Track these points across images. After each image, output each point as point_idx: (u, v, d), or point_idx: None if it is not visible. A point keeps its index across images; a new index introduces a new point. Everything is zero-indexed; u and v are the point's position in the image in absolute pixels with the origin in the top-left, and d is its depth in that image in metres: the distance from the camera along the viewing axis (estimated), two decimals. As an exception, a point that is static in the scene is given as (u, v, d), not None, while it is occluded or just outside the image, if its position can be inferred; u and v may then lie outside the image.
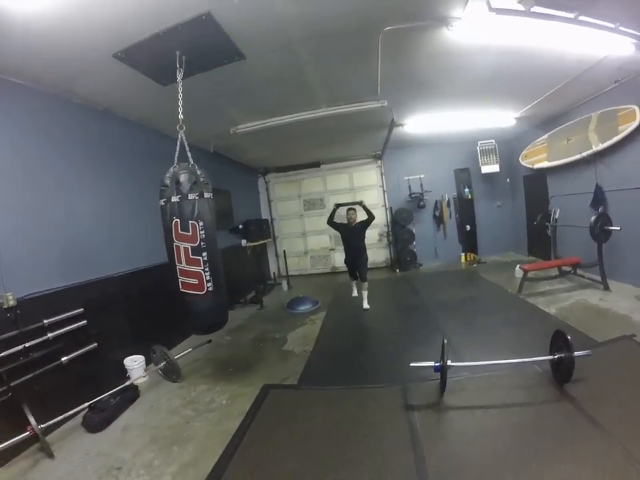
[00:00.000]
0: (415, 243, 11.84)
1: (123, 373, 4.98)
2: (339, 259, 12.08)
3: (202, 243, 3.98)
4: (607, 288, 6.71)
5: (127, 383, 4.64)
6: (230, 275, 8.02)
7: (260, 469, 2.98)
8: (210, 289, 4.04)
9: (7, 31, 3.13)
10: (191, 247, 3.95)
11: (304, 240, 12.84)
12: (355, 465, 2.90)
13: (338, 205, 7.90)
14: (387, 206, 12.14)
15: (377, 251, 12.11)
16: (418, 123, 8.44)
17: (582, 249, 7.41)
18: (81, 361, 4.38)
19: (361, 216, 7.62)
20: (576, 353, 3.46)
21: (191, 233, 3.93)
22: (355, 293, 8.29)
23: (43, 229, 4.29)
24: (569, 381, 3.54)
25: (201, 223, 3.97)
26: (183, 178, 4.00)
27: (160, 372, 5.13)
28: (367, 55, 4.61)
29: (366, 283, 7.65)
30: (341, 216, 7.75)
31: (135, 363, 5.03)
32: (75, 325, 4.39)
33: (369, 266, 7.99)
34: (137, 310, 5.56)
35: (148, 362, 5.29)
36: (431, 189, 11.83)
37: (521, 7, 3.68)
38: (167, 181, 4.03)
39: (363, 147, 11.10)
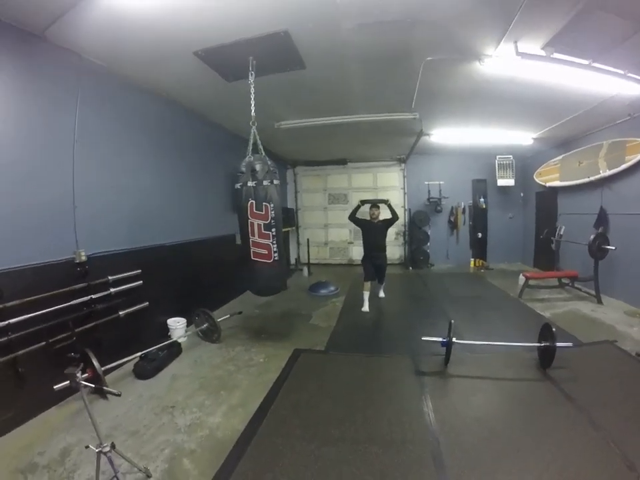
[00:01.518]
0: (428, 244, 12.51)
1: (165, 332, 5.64)
2: (356, 251, 12.72)
3: (272, 221, 4.87)
4: (599, 301, 7.38)
5: (172, 340, 5.33)
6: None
7: (299, 408, 3.76)
8: (276, 258, 4.95)
9: (114, 25, 3.74)
10: (264, 223, 4.83)
11: (325, 231, 13.51)
12: (378, 406, 3.73)
13: (363, 202, 7.68)
14: (406, 207, 12.74)
15: (392, 248, 12.66)
16: (443, 134, 9.03)
17: (581, 265, 8.02)
18: (133, 317, 4.92)
19: (384, 215, 7.52)
20: (558, 344, 4.24)
21: (264, 212, 4.81)
22: (366, 308, 7.34)
23: (113, 202, 4.86)
24: (550, 366, 4.32)
25: (272, 205, 4.85)
26: (258, 167, 4.81)
27: (200, 334, 5.85)
28: (408, 77, 5.34)
29: (383, 284, 7.97)
30: (364, 213, 7.56)
31: (177, 324, 5.70)
32: (133, 283, 4.95)
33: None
34: (182, 277, 6.25)
35: (188, 324, 5.98)
36: (449, 195, 12.46)
37: (543, 53, 4.40)
38: (243, 169, 4.84)
39: (390, 150, 11.72)
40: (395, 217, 7.53)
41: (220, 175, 7.80)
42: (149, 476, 2.77)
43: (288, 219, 11.58)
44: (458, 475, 2.69)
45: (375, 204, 7.67)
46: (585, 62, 4.64)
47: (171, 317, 5.75)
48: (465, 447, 3.05)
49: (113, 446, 2.51)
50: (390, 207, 7.58)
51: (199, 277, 6.69)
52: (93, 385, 2.58)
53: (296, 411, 3.70)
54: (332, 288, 9.00)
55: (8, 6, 3.29)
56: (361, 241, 7.77)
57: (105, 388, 2.99)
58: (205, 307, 6.02)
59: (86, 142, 4.38)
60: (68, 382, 2.38)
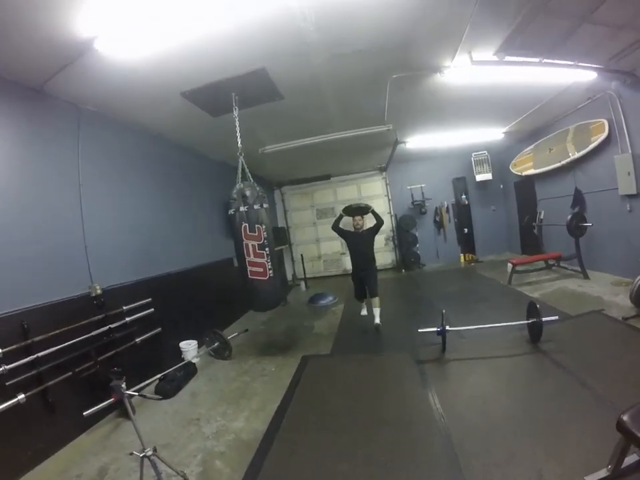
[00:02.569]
0: (418, 245, 12.93)
1: (178, 355, 5.89)
2: (349, 261, 12.81)
3: (265, 241, 5.23)
4: (586, 277, 7.79)
5: (186, 361, 5.57)
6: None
7: (313, 405, 4.11)
8: (271, 275, 5.29)
9: (107, 76, 4.07)
10: (257, 244, 5.19)
11: (317, 246, 13.90)
12: (385, 395, 4.09)
13: (345, 211, 7.21)
14: (392, 213, 13.17)
15: (384, 254, 13.16)
16: (418, 141, 9.49)
17: (565, 245, 8.43)
18: (148, 342, 5.17)
19: (369, 223, 7.03)
20: (544, 318, 4.64)
21: (257, 234, 5.17)
22: (365, 312, 7.38)
23: (120, 237, 5.21)
24: (539, 340, 4.71)
25: (263, 226, 5.22)
26: (248, 192, 5.18)
27: (211, 353, 6.13)
28: (377, 94, 5.78)
29: (377, 298, 6.78)
30: (347, 223, 7.13)
31: (189, 346, 5.98)
32: (146, 311, 5.20)
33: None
34: (188, 302, 6.52)
35: (199, 345, 6.24)
36: (431, 196, 12.94)
37: (495, 58, 4.85)
38: (235, 195, 5.21)
39: (370, 161, 12.15)
40: (379, 222, 7.00)
41: (212, 203, 8.15)
42: (186, 479, 3.02)
43: (280, 237, 11.96)
44: (461, 443, 3.03)
45: (357, 212, 7.14)
46: (536, 60, 5.08)
47: (182, 340, 6.03)
48: (467, 420, 3.39)
49: (155, 450, 2.79)
50: (373, 212, 7.11)
51: (204, 301, 7.01)
52: (137, 393, 2.90)
53: (310, 408, 4.04)
54: (330, 298, 9.33)
55: (8, 63, 3.60)
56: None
57: (147, 395, 3.29)
58: (212, 327, 6.33)
59: (89, 185, 4.73)
60: (115, 396, 2.70)
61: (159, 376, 4.89)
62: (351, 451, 3.16)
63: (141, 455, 2.72)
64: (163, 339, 5.55)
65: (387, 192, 13.44)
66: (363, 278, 6.95)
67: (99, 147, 5.02)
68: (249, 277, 5.27)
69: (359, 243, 6.96)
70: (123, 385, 2.69)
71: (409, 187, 13.03)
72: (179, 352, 5.93)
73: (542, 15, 3.97)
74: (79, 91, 4.38)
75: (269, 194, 13.28)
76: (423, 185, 12.94)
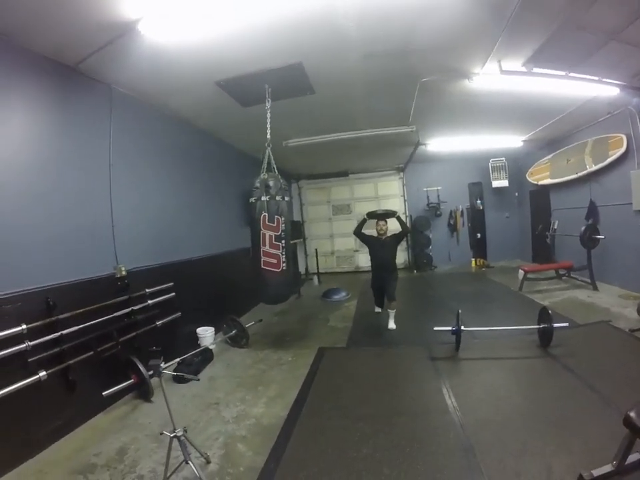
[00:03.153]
0: (430, 247, 13.07)
1: (194, 340, 6.01)
2: (362, 259, 13.34)
3: (282, 233, 5.35)
4: (595, 288, 7.91)
5: (204, 346, 5.72)
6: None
7: (332, 394, 4.26)
8: (284, 267, 5.39)
9: (144, 59, 4.12)
10: (275, 235, 5.30)
11: (331, 241, 14.07)
12: (401, 388, 4.27)
13: (369, 215, 6.91)
14: (407, 214, 13.30)
15: (397, 254, 13.21)
16: (439, 143, 9.63)
17: (577, 256, 8.52)
18: (167, 326, 5.24)
19: (392, 228, 6.78)
20: (555, 324, 4.79)
21: (275, 225, 5.29)
22: (379, 309, 7.26)
23: (144, 220, 5.31)
24: (549, 345, 4.87)
25: (282, 218, 5.35)
26: (272, 183, 5.32)
27: (228, 340, 6.29)
28: (405, 95, 5.95)
29: (395, 302, 6.63)
30: (369, 227, 6.87)
31: (206, 332, 6.12)
32: (167, 295, 5.28)
33: None
34: (207, 289, 6.69)
35: (215, 332, 6.35)
36: (447, 199, 13.06)
37: (524, 69, 5.00)
38: (258, 184, 5.35)
39: (389, 160, 12.34)
40: (405, 230, 6.88)
41: (231, 192, 8.31)
42: (208, 462, 3.15)
43: (295, 231, 11.89)
44: (476, 434, 3.21)
45: (382, 217, 6.82)
46: (562, 73, 5.24)
47: (199, 326, 6.16)
48: (480, 414, 3.56)
49: (185, 430, 2.90)
50: (399, 219, 6.88)
51: (221, 289, 7.18)
52: (175, 373, 3.08)
53: (330, 397, 4.20)
54: (343, 294, 9.50)
55: (48, 40, 3.64)
56: (367, 248, 7.03)
57: (185, 375, 3.45)
58: (225, 317, 6.51)
59: (118, 166, 4.80)
60: (152, 371, 2.87)
61: (177, 360, 4.99)
62: (371, 437, 3.33)
63: (172, 435, 2.82)
64: (181, 324, 5.67)
65: (403, 192, 13.58)
66: (383, 284, 6.75)
67: (128, 129, 5.08)
68: (262, 267, 5.36)
69: (381, 250, 6.69)
70: (162, 364, 2.84)
71: (425, 189, 13.15)
72: (195, 338, 6.05)
73: (573, 29, 4.11)
74: (114, 71, 4.44)
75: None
76: (439, 188, 13.06)
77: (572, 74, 5.29)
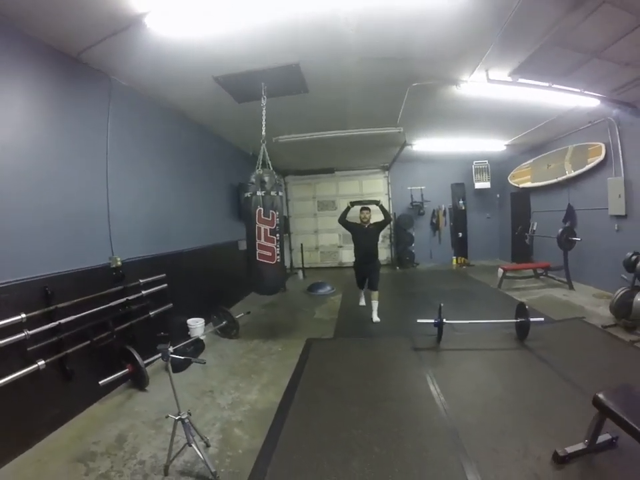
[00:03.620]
0: (413, 245, 13.36)
1: (185, 331, 6.12)
2: (346, 255, 13.59)
3: (277, 227, 5.55)
4: (571, 287, 8.33)
5: (195, 337, 5.87)
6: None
7: (322, 381, 4.50)
8: (278, 260, 5.63)
9: (146, 52, 4.16)
10: (270, 228, 5.50)
11: (316, 237, 14.25)
12: (387, 375, 4.54)
13: (352, 203, 7.27)
14: (391, 211, 13.34)
15: (380, 250, 13.16)
16: (425, 144, 9.89)
17: (555, 256, 8.91)
18: (160, 317, 5.29)
19: (375, 218, 7.14)
20: (532, 319, 5.12)
21: (270, 219, 5.48)
22: (363, 302, 7.58)
23: (139, 211, 5.33)
24: (526, 337, 5.20)
25: (277, 213, 5.55)
26: (267, 179, 5.50)
27: (218, 331, 6.43)
28: (395, 98, 6.18)
29: (377, 292, 6.91)
30: (354, 216, 7.20)
31: (196, 323, 6.24)
32: (160, 286, 5.37)
33: None
34: (196, 280, 6.79)
35: (205, 323, 6.48)
36: (430, 199, 13.35)
37: (509, 79, 5.28)
38: (253, 180, 5.51)
39: (375, 159, 12.57)
40: (387, 219, 7.24)
41: (223, 186, 8.47)
42: (208, 445, 3.30)
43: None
44: (458, 417, 3.49)
45: (365, 206, 7.25)
46: (546, 84, 5.53)
47: (189, 317, 6.26)
48: (462, 399, 3.85)
49: (189, 414, 3.02)
50: (382, 207, 7.22)
51: (210, 281, 7.29)
52: (183, 357, 3.28)
53: (320, 383, 4.44)
54: (328, 288, 9.73)
55: (50, 28, 3.64)
56: (351, 245, 7.36)
57: (192, 359, 3.60)
58: (215, 308, 6.66)
59: (114, 157, 4.82)
60: (159, 355, 3.03)
61: (171, 350, 5.22)
62: (360, 420, 3.58)
63: (177, 418, 2.96)
64: (172, 315, 5.75)
65: (388, 191, 13.82)
66: (365, 271, 7.05)
67: (125, 120, 5.13)
68: (257, 259, 5.54)
69: (364, 238, 6.98)
70: (170, 349, 3.01)
71: (409, 188, 13.42)
72: (186, 329, 6.16)
73: (558, 46, 4.39)
74: (114, 62, 4.49)
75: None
76: (423, 187, 13.33)
77: (555, 85, 5.57)
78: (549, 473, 2.68)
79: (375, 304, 6.86)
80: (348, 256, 12.45)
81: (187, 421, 2.98)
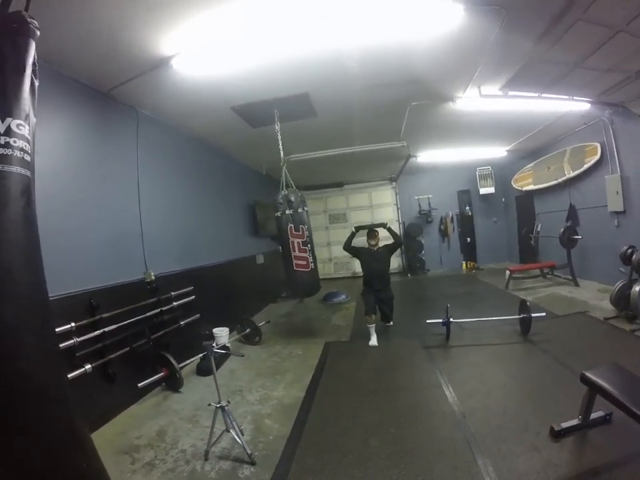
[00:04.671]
0: (423, 252, 13.72)
1: (211, 340, 6.25)
2: (358, 264, 13.26)
3: (307, 239, 6.20)
4: (576, 284, 8.67)
5: (221, 344, 6.06)
6: (273, 273, 9.96)
7: (341, 377, 4.93)
8: (312, 267, 6.29)
9: (171, 87, 4.66)
10: (302, 241, 6.16)
11: (328, 249, 14.68)
12: (400, 370, 4.96)
13: (358, 228, 6.81)
14: (400, 221, 14.01)
15: (392, 259, 13.83)
16: (428, 155, 10.35)
17: (560, 255, 9.27)
18: (189, 326, 5.71)
19: (384, 239, 6.76)
20: (533, 314, 5.51)
21: (301, 233, 6.14)
22: (374, 341, 6.10)
23: (168, 231, 5.83)
24: (529, 332, 5.57)
25: (306, 227, 6.20)
26: (293, 198, 6.10)
27: (242, 339, 6.83)
28: (397, 116, 6.69)
29: (391, 323, 6.67)
30: (358, 241, 6.80)
31: (222, 332, 6.56)
32: (189, 298, 5.81)
33: None
34: (219, 293, 7.22)
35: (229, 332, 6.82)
36: (437, 206, 13.77)
37: (500, 93, 5.74)
38: (281, 200, 6.12)
39: (382, 171, 13.05)
40: (398, 242, 6.80)
41: (240, 204, 8.96)
42: (242, 434, 3.56)
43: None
44: (464, 401, 3.89)
45: (371, 230, 6.70)
46: (535, 94, 5.97)
47: (214, 327, 6.55)
48: (468, 386, 4.24)
49: (228, 402, 3.43)
50: (390, 230, 6.81)
51: (232, 293, 7.73)
52: (224, 351, 3.73)
53: (339, 379, 4.87)
54: (343, 296, 10.10)
55: (87, 70, 4.15)
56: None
57: (232, 352, 4.17)
58: (238, 317, 7.10)
59: (144, 181, 5.32)
60: (205, 352, 3.52)
61: (200, 355, 5.47)
62: (377, 407, 4.01)
63: (218, 406, 3.34)
64: (199, 325, 6.13)
65: (396, 201, 14.28)
66: (378, 298, 6.43)
67: (151, 146, 5.60)
68: (294, 268, 6.18)
69: (375, 262, 6.53)
70: (214, 344, 3.47)
71: (416, 197, 13.85)
72: (211, 337, 6.39)
73: (540, 63, 4.83)
74: (141, 97, 5.01)
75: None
76: (429, 196, 13.76)
77: (545, 95, 6.00)
78: (546, 445, 3.04)
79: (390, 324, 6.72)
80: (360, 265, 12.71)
81: (226, 408, 3.34)
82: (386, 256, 6.62)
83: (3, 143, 1.33)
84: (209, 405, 3.53)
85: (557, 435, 3.09)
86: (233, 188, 8.71)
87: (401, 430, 3.50)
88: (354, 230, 6.80)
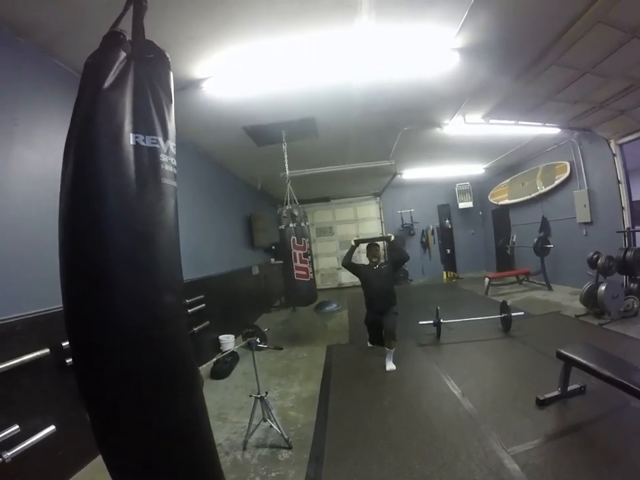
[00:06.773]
0: (406, 263, 14.13)
1: (217, 346, 6.87)
2: (344, 275, 14.45)
3: (308, 250, 6.72)
4: (550, 288, 9.51)
5: (230, 349, 6.52)
6: (267, 284, 10.53)
7: (350, 372, 5.49)
8: (311, 277, 6.78)
9: (193, 107, 4.96)
10: (303, 252, 6.66)
11: (316, 261, 14.64)
12: (400, 364, 5.54)
13: (357, 242, 6.30)
14: (384, 234, 14.25)
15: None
16: (412, 172, 11.06)
17: (534, 263, 10.11)
18: (200, 333, 5.96)
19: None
20: (513, 313, 6.29)
21: (302, 245, 6.65)
22: (391, 365, 5.38)
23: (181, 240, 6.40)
24: (509, 329, 6.35)
25: (307, 239, 6.73)
26: (296, 212, 6.70)
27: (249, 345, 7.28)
28: (389, 139, 7.43)
29: (394, 341, 5.47)
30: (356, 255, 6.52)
31: (228, 339, 7.03)
32: (200, 306, 6.00)
33: None
34: (222, 301, 7.54)
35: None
36: (419, 220, 14.54)
37: (482, 121, 6.55)
38: (285, 214, 6.70)
39: (368, 186, 13.64)
40: (404, 257, 6.22)
41: (238, 217, 9.42)
42: (271, 425, 3.81)
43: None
44: (460, 384, 4.57)
45: (373, 243, 6.17)
46: (512, 122, 6.80)
47: (219, 334, 7.00)
48: (462, 373, 4.92)
49: (266, 393, 3.80)
50: (394, 244, 6.61)
51: (232, 302, 8.07)
52: (265, 345, 4.28)
53: (349, 374, 5.44)
54: (334, 305, 10.64)
55: None
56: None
57: (270, 346, 4.59)
58: (239, 325, 7.60)
59: None
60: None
61: (214, 359, 6.01)
62: (387, 392, 4.64)
63: (258, 396, 3.73)
64: (207, 332, 6.46)
65: (380, 215, 14.99)
66: (381, 322, 5.63)
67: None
68: (295, 278, 6.67)
69: (378, 280, 5.84)
70: (258, 340, 4.02)
71: (399, 211, 14.57)
72: (218, 344, 6.93)
73: (517, 96, 5.64)
74: None
75: (275, 211, 14.15)
76: (412, 210, 14.50)
77: (521, 122, 6.86)
78: (534, 411, 3.73)
79: (391, 353, 5.48)
80: (346, 277, 13.53)
81: (265, 398, 3.73)
82: (390, 271, 5.97)
83: (167, 161, 1.73)
84: (250, 395, 3.91)
85: (542, 404, 3.77)
86: (231, 202, 9.10)
87: (411, 407, 4.15)
88: (353, 244, 6.24)
